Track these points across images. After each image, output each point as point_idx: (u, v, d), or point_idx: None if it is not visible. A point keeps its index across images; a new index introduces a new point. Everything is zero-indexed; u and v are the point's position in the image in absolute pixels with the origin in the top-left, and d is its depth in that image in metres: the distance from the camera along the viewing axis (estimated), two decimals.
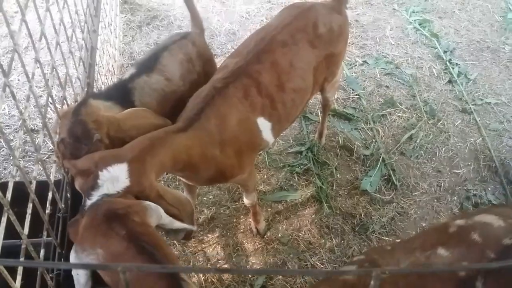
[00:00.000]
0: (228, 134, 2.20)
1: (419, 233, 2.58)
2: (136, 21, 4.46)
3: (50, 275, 1.56)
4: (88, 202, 1.60)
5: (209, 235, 2.91)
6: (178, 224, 1.72)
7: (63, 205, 1.73)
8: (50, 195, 1.58)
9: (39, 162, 1.46)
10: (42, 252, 1.45)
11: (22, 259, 1.38)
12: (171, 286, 1.42)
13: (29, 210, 1.36)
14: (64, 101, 1.92)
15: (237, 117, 2.24)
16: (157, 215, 1.61)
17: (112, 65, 3.49)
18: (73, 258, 1.48)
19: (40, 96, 3.44)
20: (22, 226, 1.43)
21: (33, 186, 1.43)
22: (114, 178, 1.67)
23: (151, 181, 1.78)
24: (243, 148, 2.34)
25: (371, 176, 3.23)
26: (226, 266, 2.80)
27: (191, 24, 2.76)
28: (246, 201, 2.75)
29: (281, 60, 2.37)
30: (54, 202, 1.70)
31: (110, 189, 1.64)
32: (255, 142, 2.40)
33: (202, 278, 2.70)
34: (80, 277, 1.50)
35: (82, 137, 1.77)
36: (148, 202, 1.64)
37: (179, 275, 1.46)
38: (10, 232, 1.38)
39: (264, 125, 2.35)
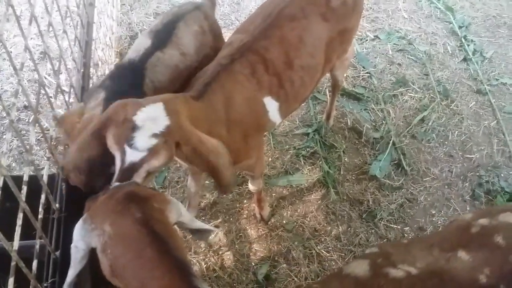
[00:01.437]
0: (234, 114, 2.06)
1: (440, 230, 2.48)
2: None
3: (45, 284, 1.45)
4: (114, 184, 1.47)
5: (211, 221, 2.81)
6: (198, 224, 1.59)
7: (57, 205, 1.60)
8: (43, 197, 1.45)
9: (31, 165, 1.32)
10: (35, 263, 1.33)
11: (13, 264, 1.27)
12: (180, 280, 1.29)
13: (19, 221, 1.23)
14: (58, 89, 1.76)
15: (243, 95, 2.10)
16: (177, 210, 1.47)
17: (110, 38, 3.30)
18: (78, 227, 1.34)
19: (29, 80, 3.27)
20: (15, 223, 1.31)
21: (24, 192, 1.29)
22: (152, 117, 1.54)
23: (188, 123, 1.66)
24: (250, 130, 2.20)
25: (380, 160, 3.10)
26: (228, 253, 2.71)
27: None
28: (251, 187, 2.63)
29: (289, 35, 2.20)
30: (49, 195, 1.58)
31: (153, 129, 1.52)
32: (261, 123, 2.26)
33: (204, 266, 2.62)
34: (77, 251, 1.34)
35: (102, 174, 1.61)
36: (170, 197, 1.51)
37: (190, 270, 1.34)
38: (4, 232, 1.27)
39: (271, 104, 2.20)
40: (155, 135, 1.53)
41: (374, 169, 3.06)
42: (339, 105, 3.41)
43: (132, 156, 1.51)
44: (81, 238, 1.33)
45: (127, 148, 1.51)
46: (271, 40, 2.17)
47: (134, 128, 1.51)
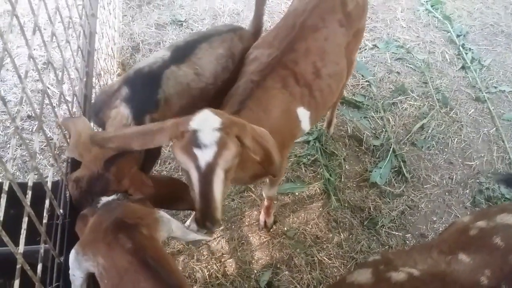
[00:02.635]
0: (272, 127, 2.04)
1: (439, 234, 2.51)
2: (135, 0, 4.27)
3: None
4: (103, 201, 1.51)
5: None
6: (192, 236, 1.61)
7: (61, 211, 1.61)
8: (47, 202, 1.47)
9: (35, 171, 1.34)
10: (39, 267, 1.34)
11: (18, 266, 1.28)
12: None
13: (24, 225, 1.25)
14: (62, 97, 1.79)
15: (279, 109, 2.14)
16: (168, 228, 1.50)
17: (112, 48, 3.34)
18: (72, 258, 1.37)
19: (33, 90, 3.30)
20: (19, 229, 1.33)
21: (29, 197, 1.31)
22: (205, 119, 1.58)
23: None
24: (285, 141, 2.25)
25: (381, 167, 3.12)
26: (231, 260, 2.71)
27: (251, 22, 2.64)
28: (268, 193, 2.66)
29: (314, 46, 2.27)
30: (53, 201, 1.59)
31: (212, 125, 1.56)
32: (294, 132, 2.32)
33: (207, 274, 2.62)
34: (76, 279, 1.39)
35: (98, 193, 1.61)
36: (161, 214, 1.53)
37: None
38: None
39: (303, 114, 2.25)
40: (216, 129, 1.56)
41: (374, 176, 3.07)
42: (339, 113, 3.43)
43: (205, 155, 1.53)
44: (77, 267, 1.37)
45: (197, 151, 1.53)
46: (298, 53, 2.22)
47: (194, 132, 1.54)
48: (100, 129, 2.06)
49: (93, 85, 2.37)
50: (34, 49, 3.46)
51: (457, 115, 3.54)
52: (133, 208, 1.49)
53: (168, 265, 1.37)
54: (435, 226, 2.92)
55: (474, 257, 1.57)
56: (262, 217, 2.84)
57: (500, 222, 1.69)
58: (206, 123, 1.58)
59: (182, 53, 2.20)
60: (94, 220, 1.43)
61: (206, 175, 1.53)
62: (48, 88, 3.19)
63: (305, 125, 2.31)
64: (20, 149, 2.84)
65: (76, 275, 1.39)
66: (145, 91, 2.01)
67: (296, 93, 2.19)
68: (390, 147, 3.22)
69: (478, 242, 1.64)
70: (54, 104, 1.78)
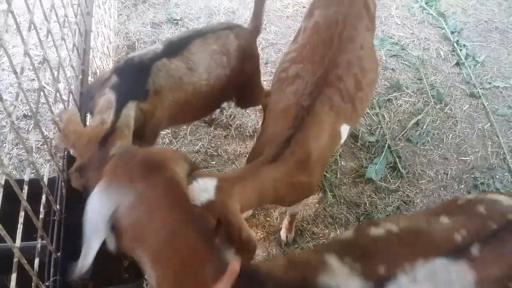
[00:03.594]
0: (318, 155, 2.07)
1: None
2: None
3: (46, 283, 1.47)
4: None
5: None
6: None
7: (58, 207, 1.63)
8: (43, 198, 1.48)
9: (31, 165, 1.35)
10: (36, 261, 1.35)
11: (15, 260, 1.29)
12: (204, 246, 1.24)
13: (21, 219, 1.26)
14: (57, 94, 1.80)
15: (327, 134, 2.12)
16: (183, 166, 1.47)
17: (107, 47, 3.35)
18: (97, 197, 1.24)
19: (28, 90, 3.30)
20: (16, 226, 1.34)
21: (25, 192, 1.32)
22: (203, 188, 1.59)
23: (235, 207, 1.66)
24: (326, 160, 2.26)
25: (376, 163, 3.13)
26: None
27: (250, 20, 2.65)
28: (292, 211, 2.62)
29: (353, 57, 2.24)
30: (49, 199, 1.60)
31: (200, 197, 1.57)
32: (333, 149, 2.36)
33: None
34: (97, 226, 1.23)
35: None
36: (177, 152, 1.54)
37: (212, 238, 1.29)
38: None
39: (344, 130, 2.24)
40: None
41: (370, 172, 3.09)
42: None
43: None
44: (102, 205, 1.25)
45: None
46: (341, 67, 2.19)
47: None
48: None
49: (89, 83, 2.38)
50: (30, 48, 3.46)
51: (451, 111, 3.56)
52: (149, 149, 1.45)
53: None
54: None
55: (454, 219, 1.60)
56: (283, 233, 2.78)
57: (489, 197, 1.72)
58: (198, 192, 1.60)
59: (175, 47, 2.22)
60: (115, 161, 1.35)
61: None
62: (44, 87, 3.19)
63: (344, 138, 2.29)
64: (17, 148, 2.84)
65: (98, 220, 1.24)
66: (133, 79, 2.04)
67: (341, 112, 2.17)
68: (386, 143, 3.24)
69: (462, 209, 1.68)
70: (50, 102, 1.78)
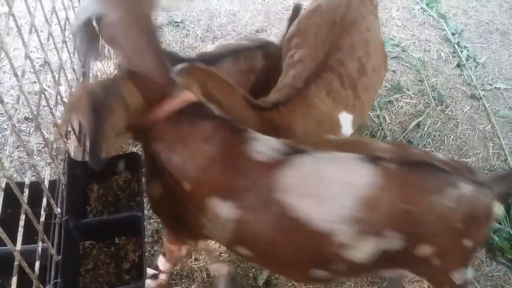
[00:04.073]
0: (298, 134, 2.07)
1: None
2: None
3: (47, 286, 1.47)
4: None
5: None
6: None
7: (58, 210, 1.63)
8: (44, 201, 1.48)
9: (32, 168, 1.35)
10: (37, 264, 1.36)
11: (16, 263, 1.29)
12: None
13: (21, 223, 1.26)
14: (58, 96, 1.80)
15: (315, 119, 2.11)
16: None
17: (109, 49, 3.35)
18: None
19: (29, 92, 3.30)
20: (16, 229, 1.34)
21: (26, 195, 1.32)
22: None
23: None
24: None
25: None
26: (229, 259, 2.72)
27: (282, 35, 2.69)
28: None
29: (358, 39, 2.22)
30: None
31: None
32: None
33: (205, 273, 2.63)
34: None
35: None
36: None
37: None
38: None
39: (345, 119, 2.20)
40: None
41: None
42: None
43: None
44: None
45: None
46: (344, 50, 2.17)
47: None
48: None
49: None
50: (31, 51, 3.48)
51: (452, 112, 3.56)
52: None
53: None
54: None
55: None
56: None
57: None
58: None
59: (207, 60, 2.25)
60: None
61: None
62: (45, 89, 3.20)
63: (347, 129, 2.24)
64: (18, 150, 2.85)
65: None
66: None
67: (340, 98, 2.14)
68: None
69: None
70: (51, 105, 1.79)
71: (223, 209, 1.67)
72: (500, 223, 2.85)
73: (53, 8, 1.86)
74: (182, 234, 1.92)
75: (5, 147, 2.85)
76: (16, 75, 1.34)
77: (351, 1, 2.28)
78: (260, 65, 2.45)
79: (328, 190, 1.61)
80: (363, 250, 1.64)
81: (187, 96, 1.65)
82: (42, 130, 1.68)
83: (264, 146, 1.67)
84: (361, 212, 1.58)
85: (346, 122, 2.22)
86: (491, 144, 3.38)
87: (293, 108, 2.04)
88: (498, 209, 1.68)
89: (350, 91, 2.18)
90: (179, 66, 1.77)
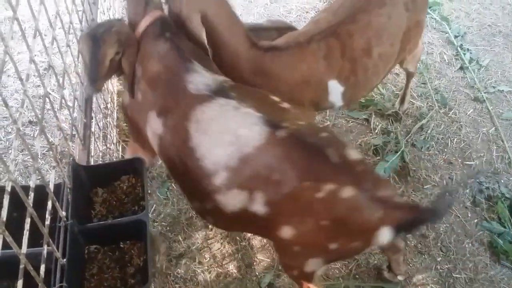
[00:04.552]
0: (285, 86, 2.18)
1: None
2: None
3: None
4: None
5: (215, 231, 2.82)
6: None
7: (64, 213, 1.63)
8: (49, 204, 1.48)
9: (37, 172, 1.35)
10: (42, 267, 1.36)
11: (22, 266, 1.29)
12: None
13: (27, 226, 1.26)
14: (63, 100, 1.80)
15: (302, 75, 2.19)
16: None
17: None
18: None
19: (34, 96, 3.30)
20: (22, 232, 1.34)
21: (31, 198, 1.32)
22: None
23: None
24: (299, 103, 2.28)
25: (388, 161, 3.11)
26: (232, 263, 2.72)
27: None
28: None
29: (375, 21, 2.26)
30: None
31: None
32: (316, 100, 2.34)
33: (208, 276, 2.63)
34: None
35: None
36: None
37: None
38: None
39: (335, 87, 2.28)
40: None
41: (379, 168, 3.07)
42: (340, 112, 3.46)
43: None
44: None
45: None
46: (357, 25, 2.23)
47: None
48: None
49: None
50: (35, 55, 3.49)
51: (456, 115, 3.56)
52: None
53: None
54: (436, 226, 2.91)
55: None
56: None
57: None
58: None
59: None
60: None
61: None
62: (49, 93, 3.21)
63: (335, 98, 2.32)
64: (22, 154, 2.86)
65: None
66: None
67: (334, 66, 2.21)
68: (398, 144, 3.25)
69: None
70: (55, 109, 1.79)
71: (156, 124, 1.96)
72: (504, 226, 2.85)
73: (57, 12, 1.86)
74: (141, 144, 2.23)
75: (10, 150, 2.86)
76: (20, 79, 1.34)
77: None
78: None
79: (223, 136, 1.79)
80: (231, 200, 1.78)
81: (154, 14, 2.04)
82: (47, 134, 1.68)
83: (199, 80, 1.93)
84: (237, 164, 1.73)
85: (336, 91, 2.29)
86: (495, 147, 3.37)
87: (287, 57, 2.15)
88: (385, 234, 1.65)
89: (348, 64, 2.24)
90: None
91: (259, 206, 1.73)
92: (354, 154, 1.75)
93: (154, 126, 1.98)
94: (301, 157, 1.68)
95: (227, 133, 1.78)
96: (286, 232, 1.72)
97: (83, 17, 2.38)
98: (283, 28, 2.64)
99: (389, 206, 1.63)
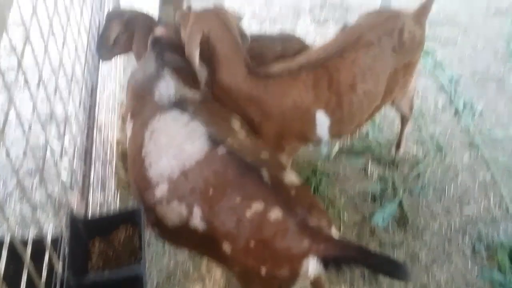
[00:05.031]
0: (276, 112, 2.31)
1: None
2: None
3: None
4: None
5: (212, 283, 2.77)
6: None
7: (60, 267, 1.60)
8: (46, 258, 1.46)
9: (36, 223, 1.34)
10: None
11: None
12: None
13: (24, 277, 1.24)
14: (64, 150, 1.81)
15: (294, 102, 2.31)
16: None
17: (113, 101, 3.39)
18: None
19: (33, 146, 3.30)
20: (19, 283, 1.31)
21: (28, 251, 1.31)
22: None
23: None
24: (287, 133, 2.42)
25: (385, 209, 3.11)
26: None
27: None
28: None
29: (361, 59, 2.39)
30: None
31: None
32: (304, 132, 2.46)
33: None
34: None
35: None
36: None
37: None
38: None
39: (322, 119, 2.40)
40: None
41: (377, 217, 3.07)
42: (337, 162, 3.47)
43: None
44: None
45: None
46: (344, 61, 2.38)
47: None
48: None
49: (94, 138, 2.40)
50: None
51: (452, 161, 3.57)
52: None
53: None
54: (436, 274, 2.87)
55: None
56: None
57: None
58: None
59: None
60: None
61: None
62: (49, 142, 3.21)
63: (322, 131, 2.45)
64: (20, 203, 2.83)
65: None
66: None
67: (322, 96, 2.34)
68: (395, 191, 3.25)
69: None
70: (55, 158, 1.79)
71: (129, 126, 2.07)
72: (505, 275, 2.81)
73: (61, 61, 1.89)
74: None
75: (8, 199, 2.82)
76: (23, 129, 1.35)
77: (378, 27, 2.47)
78: (273, 55, 2.74)
79: (169, 148, 1.85)
80: (172, 214, 1.82)
81: (157, 31, 2.31)
82: (46, 183, 1.67)
83: (164, 89, 2.06)
84: (178, 177, 1.78)
85: (323, 123, 2.42)
86: (492, 194, 3.37)
87: (279, 84, 2.30)
88: (312, 265, 1.61)
89: (334, 96, 2.37)
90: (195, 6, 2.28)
91: (198, 221, 1.77)
92: (291, 177, 1.78)
93: (128, 129, 2.12)
94: (235, 174, 1.72)
95: (173, 146, 1.85)
96: (227, 248, 1.73)
97: (86, 66, 2.42)
98: (289, 41, 2.85)
99: (318, 236, 1.60)
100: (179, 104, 2.01)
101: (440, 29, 5.00)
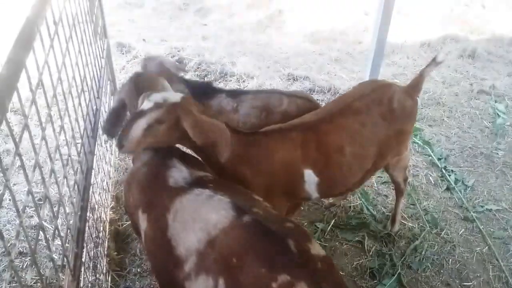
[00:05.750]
0: (265, 168, 2.41)
1: None
2: None
3: None
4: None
5: None
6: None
7: None
8: None
9: None
10: None
11: None
12: None
13: None
14: (56, 231, 1.82)
15: (282, 158, 2.43)
16: None
17: (107, 182, 3.44)
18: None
19: (26, 227, 3.32)
20: None
21: None
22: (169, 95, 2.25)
23: (196, 111, 2.20)
24: (277, 189, 2.48)
25: (385, 285, 3.05)
26: None
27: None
28: None
29: (350, 125, 2.56)
30: None
31: (165, 97, 2.22)
32: (293, 188, 2.54)
33: None
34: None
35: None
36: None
37: None
38: None
39: (310, 177, 2.50)
40: (164, 99, 2.17)
41: None
42: (334, 236, 3.45)
43: (144, 105, 2.16)
44: None
45: (145, 100, 2.19)
46: (333, 125, 2.55)
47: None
48: None
49: (87, 218, 2.41)
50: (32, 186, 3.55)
51: (448, 235, 3.56)
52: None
53: None
54: None
55: None
56: None
57: None
58: (166, 95, 2.22)
59: (238, 91, 3.26)
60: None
61: (138, 114, 2.15)
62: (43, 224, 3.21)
63: (311, 189, 2.54)
64: (10, 286, 2.77)
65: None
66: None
67: (310, 156, 2.46)
68: (394, 267, 3.19)
69: None
70: (48, 239, 1.80)
71: (141, 221, 2.07)
72: None
73: (57, 146, 1.96)
74: None
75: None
76: (18, 211, 1.38)
77: (367, 96, 2.65)
78: (279, 109, 2.99)
79: (195, 222, 1.84)
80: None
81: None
82: (38, 265, 1.67)
83: (177, 174, 2.11)
84: (205, 247, 1.76)
85: (311, 181, 2.51)
86: (491, 266, 3.33)
87: (269, 140, 2.43)
88: None
89: (323, 158, 2.49)
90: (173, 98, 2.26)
91: None
92: (317, 249, 1.74)
93: (141, 224, 2.10)
94: (261, 242, 1.68)
95: (198, 220, 1.85)
96: None
97: (81, 150, 2.50)
98: (293, 95, 3.11)
99: None
100: (198, 183, 2.06)
101: (426, 110, 5.20)
